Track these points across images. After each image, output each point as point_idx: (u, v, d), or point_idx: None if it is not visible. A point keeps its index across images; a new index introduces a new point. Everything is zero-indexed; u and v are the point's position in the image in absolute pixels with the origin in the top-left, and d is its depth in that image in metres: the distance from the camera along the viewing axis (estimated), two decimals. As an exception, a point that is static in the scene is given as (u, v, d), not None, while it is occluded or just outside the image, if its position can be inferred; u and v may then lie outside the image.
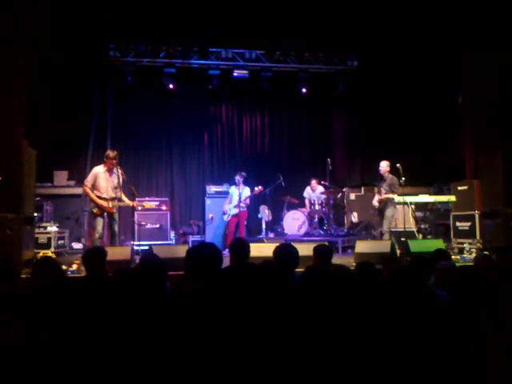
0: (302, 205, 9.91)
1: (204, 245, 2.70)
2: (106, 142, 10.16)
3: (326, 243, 5.49)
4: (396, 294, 2.52)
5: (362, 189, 10.38)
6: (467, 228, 8.09)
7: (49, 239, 8.04)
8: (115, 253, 5.53)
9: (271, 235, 9.61)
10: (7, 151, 6.22)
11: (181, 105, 10.75)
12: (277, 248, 3.71)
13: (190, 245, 8.10)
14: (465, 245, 7.78)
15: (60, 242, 8.45)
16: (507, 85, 7.65)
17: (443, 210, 9.48)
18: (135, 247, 6.95)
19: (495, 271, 3.51)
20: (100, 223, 6.71)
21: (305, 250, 4.87)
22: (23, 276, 4.85)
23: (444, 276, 3.33)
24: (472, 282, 2.78)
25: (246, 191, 8.99)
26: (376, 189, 8.38)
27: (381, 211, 7.79)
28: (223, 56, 10.04)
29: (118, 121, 10.44)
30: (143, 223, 8.72)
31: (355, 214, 9.69)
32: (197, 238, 9.34)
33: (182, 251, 5.62)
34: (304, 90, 10.56)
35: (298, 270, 3.82)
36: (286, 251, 3.67)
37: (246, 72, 10.14)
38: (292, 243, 4.17)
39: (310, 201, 9.84)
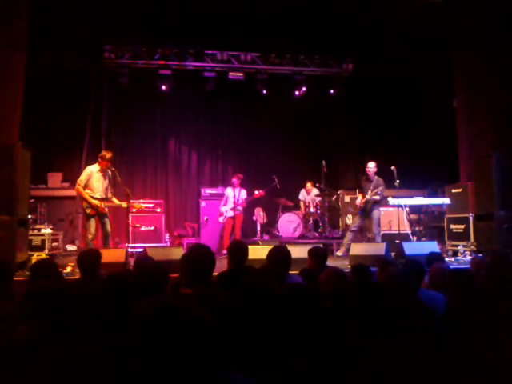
0: (296, 207, 9.92)
1: (200, 246, 2.70)
2: (101, 143, 10.13)
3: (321, 245, 5.51)
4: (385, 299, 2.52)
5: (357, 191, 10.38)
6: (461, 230, 8.11)
7: (43, 241, 7.98)
8: (110, 255, 5.53)
9: (266, 237, 9.60)
10: (1, 153, 6.19)
11: (176, 107, 10.75)
12: (271, 250, 3.76)
13: (185, 247, 8.07)
14: (459, 247, 7.81)
15: (54, 244, 8.38)
16: (502, 87, 7.68)
17: (438, 212, 9.53)
18: (130, 249, 6.93)
19: (490, 273, 3.53)
20: (93, 224, 6.68)
21: (300, 252, 4.90)
22: (18, 278, 4.83)
23: (438, 277, 3.36)
24: (466, 284, 2.80)
25: (243, 194, 8.98)
26: (358, 190, 8.37)
27: (367, 213, 7.81)
28: (218, 58, 10.05)
29: (113, 123, 10.42)
30: (138, 225, 8.70)
31: (350, 216, 9.70)
32: (192, 240, 9.33)
33: (176, 253, 5.64)
34: (299, 93, 10.58)
35: (292, 272, 3.90)
36: (279, 253, 3.73)
37: (242, 75, 10.14)
38: (287, 245, 4.19)
39: (304, 203, 9.85)
